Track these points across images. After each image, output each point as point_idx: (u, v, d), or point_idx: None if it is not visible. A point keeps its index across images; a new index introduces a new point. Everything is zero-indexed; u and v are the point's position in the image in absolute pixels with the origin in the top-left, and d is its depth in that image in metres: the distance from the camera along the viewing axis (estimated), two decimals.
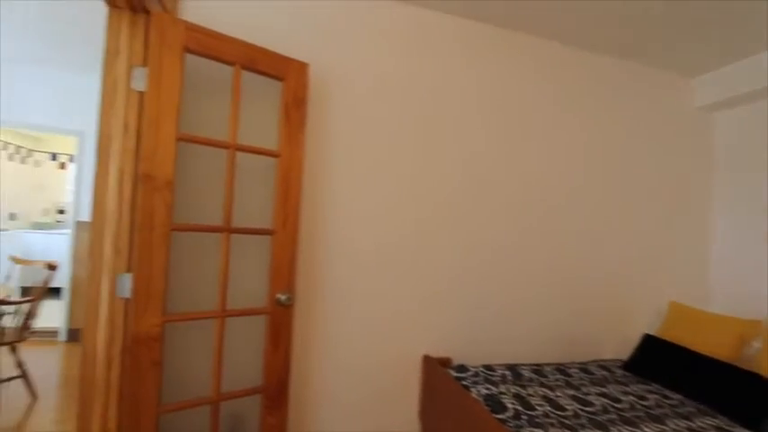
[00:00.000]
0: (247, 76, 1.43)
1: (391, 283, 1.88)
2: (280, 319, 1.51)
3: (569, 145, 2.22)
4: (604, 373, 1.94)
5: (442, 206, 1.97)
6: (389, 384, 1.87)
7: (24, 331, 2.56)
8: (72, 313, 3.90)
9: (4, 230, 4.76)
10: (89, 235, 1.22)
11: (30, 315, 2.57)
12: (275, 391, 1.49)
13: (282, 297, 1.48)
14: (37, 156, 5.93)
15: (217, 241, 1.43)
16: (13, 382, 2.69)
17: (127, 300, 1.26)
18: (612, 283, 2.30)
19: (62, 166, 6.02)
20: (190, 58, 1.31)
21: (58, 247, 5.38)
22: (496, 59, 2.08)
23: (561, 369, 1.93)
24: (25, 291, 5.12)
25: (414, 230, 1.92)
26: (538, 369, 1.90)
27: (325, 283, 1.78)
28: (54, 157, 6.01)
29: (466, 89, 2.02)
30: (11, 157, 5.40)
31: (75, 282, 3.89)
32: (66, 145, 5.95)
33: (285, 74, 1.50)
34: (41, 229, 5.57)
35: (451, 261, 1.98)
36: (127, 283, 1.25)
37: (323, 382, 1.77)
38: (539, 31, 2.10)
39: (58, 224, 5.95)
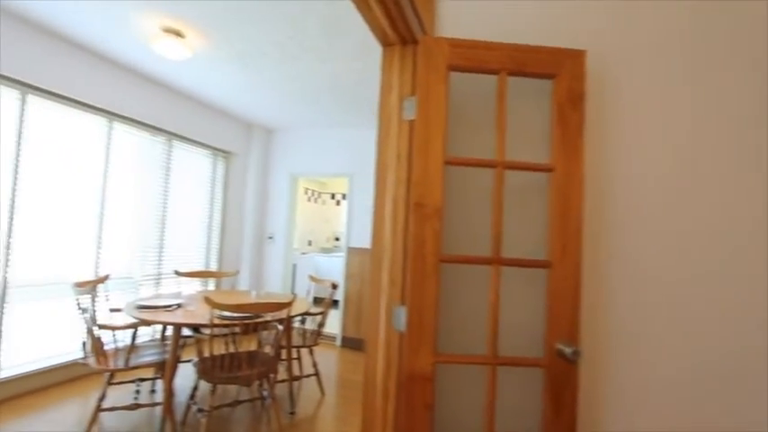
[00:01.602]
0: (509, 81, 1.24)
1: (717, 326, 1.25)
2: (562, 376, 1.18)
3: None
4: None
5: None
6: None
7: (318, 336, 3.14)
8: (345, 323, 4.67)
9: (303, 254, 6.33)
10: (370, 264, 1.25)
11: (321, 323, 3.14)
12: None
13: (566, 349, 1.15)
14: (323, 196, 7.73)
15: (481, 274, 1.25)
16: (310, 379, 3.34)
17: (401, 333, 1.22)
18: None
19: (338, 203, 7.63)
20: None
21: (335, 267, 6.77)
22: None
23: None
24: (316, 301, 6.69)
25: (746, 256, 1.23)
26: None
27: (618, 329, 1.33)
28: (333, 196, 7.70)
29: None
30: (308, 199, 7.20)
31: (347, 296, 4.67)
32: (340, 186, 7.54)
33: (556, 69, 1.23)
34: (325, 253, 7.15)
35: None
36: (402, 317, 1.22)
37: None
38: None
39: (335, 249, 7.52)
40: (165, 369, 2.33)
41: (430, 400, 1.16)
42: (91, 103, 3.18)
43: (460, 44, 1.22)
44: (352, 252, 4.67)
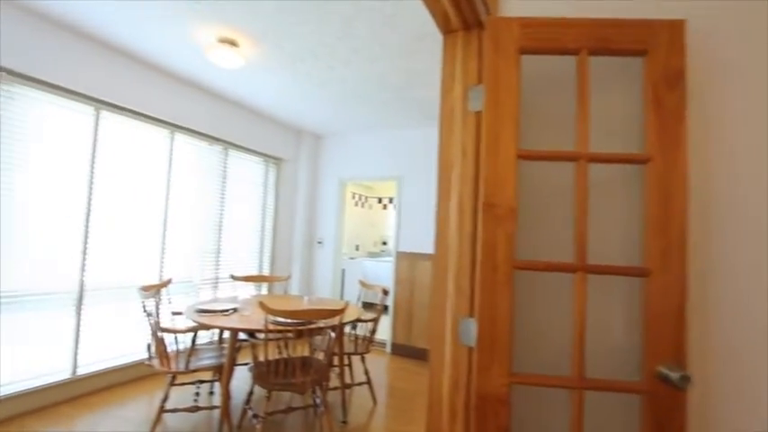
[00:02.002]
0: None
1: None
2: (666, 405, 1.00)
3: None
4: None
5: None
6: None
7: (370, 344, 3.07)
8: (394, 329, 4.57)
9: (352, 258, 6.33)
10: (433, 270, 1.14)
11: (373, 330, 3.07)
12: None
13: (672, 374, 0.97)
14: (370, 200, 7.72)
15: (558, 283, 1.10)
16: (362, 387, 3.27)
17: (470, 348, 1.10)
18: None
19: (384, 207, 7.58)
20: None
21: (383, 272, 6.71)
22: None
23: None
24: (365, 306, 6.67)
25: None
26: None
27: (724, 350, 1.11)
28: (379, 200, 7.66)
29: None
30: (356, 204, 7.22)
31: (397, 302, 4.58)
32: (387, 190, 7.49)
33: (649, 43, 1.05)
34: (373, 258, 7.13)
35: None
36: (471, 330, 1.09)
37: None
38: None
39: (382, 253, 7.47)
40: (222, 373, 2.36)
41: (505, 424, 1.02)
42: (155, 115, 3.37)
43: (532, 23, 1.09)
44: (402, 257, 4.58)
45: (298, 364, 2.35)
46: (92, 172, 3.00)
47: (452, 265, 1.14)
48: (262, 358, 3.06)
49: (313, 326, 2.33)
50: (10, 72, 2.52)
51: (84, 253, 2.95)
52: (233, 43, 2.70)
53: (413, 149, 4.64)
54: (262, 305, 2.13)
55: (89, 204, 2.98)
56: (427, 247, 4.45)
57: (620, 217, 1.16)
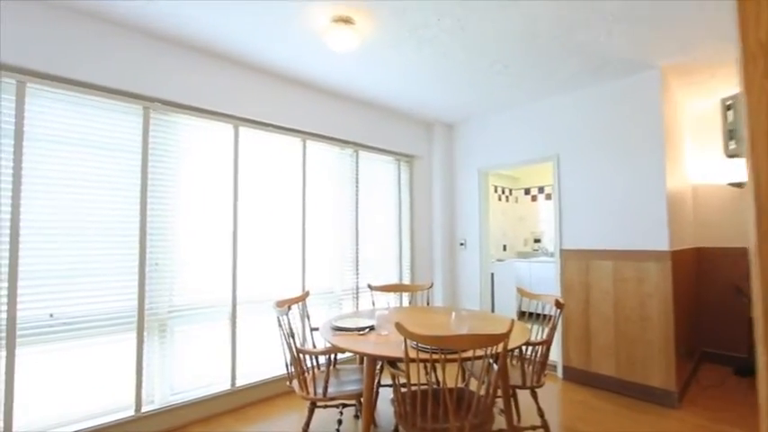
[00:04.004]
0: None
1: None
2: None
3: None
4: None
5: None
6: None
7: (542, 374, 2.32)
8: (565, 348, 3.63)
9: (499, 261, 5.51)
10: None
11: (545, 355, 2.31)
12: None
13: None
14: (515, 193, 6.75)
15: None
16: None
17: None
18: None
19: (533, 198, 6.50)
20: None
21: (541, 275, 5.67)
22: None
23: None
24: (520, 317, 5.73)
25: None
26: None
27: None
28: (527, 191, 6.62)
29: None
30: (498, 198, 6.37)
31: (567, 314, 3.62)
32: (535, 177, 6.41)
33: None
34: (524, 258, 6.14)
35: None
36: None
37: None
38: None
39: (534, 253, 6.40)
40: (363, 406, 1.98)
41: None
42: (287, 125, 3.33)
43: None
44: (568, 256, 3.61)
45: (450, 400, 1.79)
46: (235, 187, 3.07)
47: None
48: (405, 388, 2.63)
49: (467, 356, 1.75)
50: (166, 102, 2.71)
51: (234, 266, 3.03)
52: (347, 21, 2.37)
53: (571, 120, 3.64)
54: (399, 327, 1.66)
55: (235, 220, 3.05)
56: (603, 241, 3.39)
57: None
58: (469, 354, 1.74)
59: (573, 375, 3.53)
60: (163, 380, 2.67)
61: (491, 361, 1.79)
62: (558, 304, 2.36)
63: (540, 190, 6.33)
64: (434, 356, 1.75)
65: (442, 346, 1.62)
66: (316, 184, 3.63)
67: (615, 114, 3.38)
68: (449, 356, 1.72)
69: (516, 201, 6.64)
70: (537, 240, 6.38)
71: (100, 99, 2.47)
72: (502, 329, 2.21)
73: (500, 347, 1.75)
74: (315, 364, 2.49)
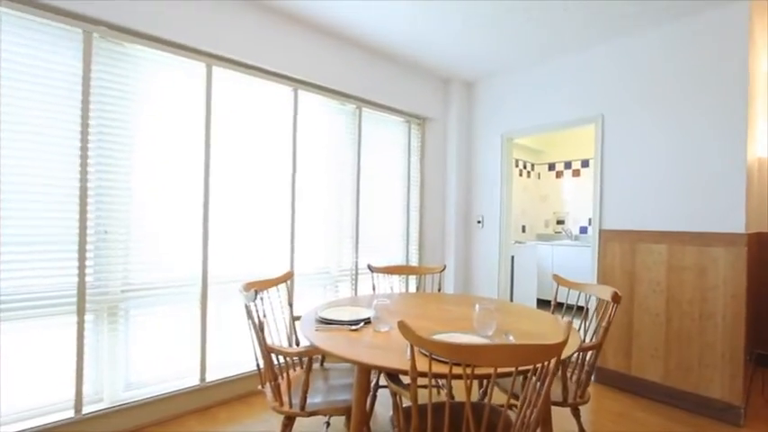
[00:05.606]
0: None
1: None
2: None
3: None
4: None
5: None
6: None
7: (587, 385, 1.76)
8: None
9: (518, 243, 4.91)
10: None
11: (592, 364, 1.75)
12: None
13: None
14: (537, 168, 6.08)
15: None
16: None
17: None
18: None
19: (558, 174, 5.84)
20: None
21: (567, 259, 5.09)
22: None
23: None
24: (539, 304, 5.16)
25: None
26: None
27: None
28: (551, 166, 5.94)
29: None
30: (519, 173, 5.72)
31: (603, 307, 3.03)
32: (564, 151, 5.73)
33: None
34: (545, 241, 5.54)
35: None
36: None
37: None
38: None
39: (557, 235, 5.79)
40: (351, 426, 1.45)
41: None
42: (273, 69, 2.72)
43: None
44: (609, 237, 3.01)
45: (471, 422, 1.25)
46: (207, 143, 2.50)
47: None
48: (410, 407, 2.10)
49: (505, 370, 1.19)
50: (113, 27, 2.11)
51: (206, 238, 2.49)
52: None
53: (619, 74, 2.97)
54: (403, 329, 1.10)
55: (206, 182, 2.50)
56: (655, 220, 2.78)
57: None
58: (510, 369, 1.18)
59: (608, 378, 2.98)
60: (114, 374, 2.19)
61: (535, 379, 1.24)
62: (616, 297, 1.78)
63: (567, 165, 5.65)
64: (455, 370, 1.19)
65: (469, 360, 1.07)
66: (309, 144, 3.05)
67: (680, 64, 2.70)
68: (477, 372, 1.16)
69: (539, 177, 5.98)
70: (560, 222, 5.75)
71: (28, 17, 1.90)
72: (545, 329, 1.65)
73: (552, 362, 1.18)
74: (293, 362, 1.97)
